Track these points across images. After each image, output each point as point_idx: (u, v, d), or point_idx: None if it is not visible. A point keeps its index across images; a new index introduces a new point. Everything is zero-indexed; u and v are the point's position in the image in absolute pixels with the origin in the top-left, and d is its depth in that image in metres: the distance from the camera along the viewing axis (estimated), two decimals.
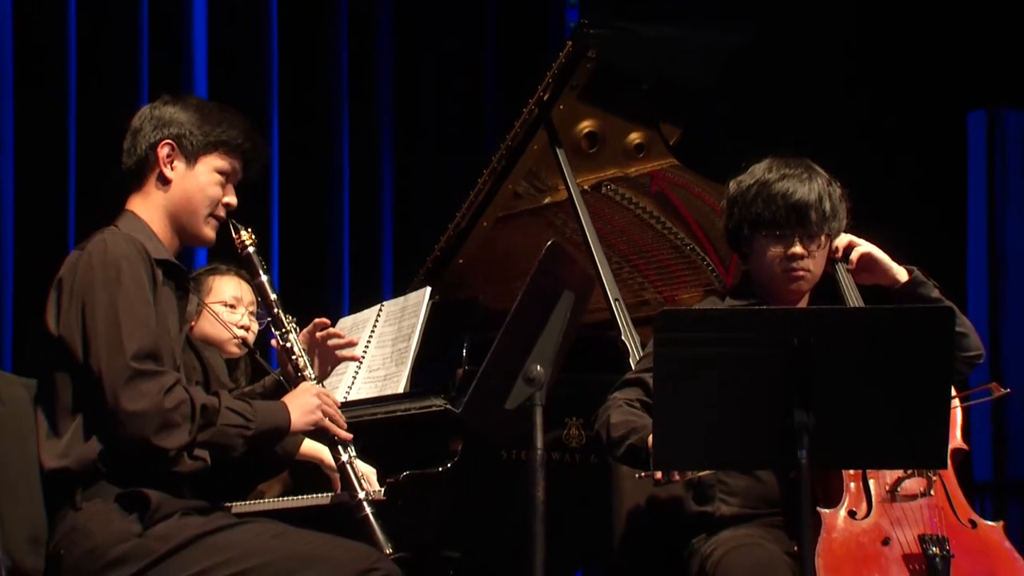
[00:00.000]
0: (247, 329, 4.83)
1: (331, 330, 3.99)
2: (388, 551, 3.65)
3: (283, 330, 3.88)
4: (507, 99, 6.06)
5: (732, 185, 4.03)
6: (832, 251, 3.99)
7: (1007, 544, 3.66)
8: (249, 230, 3.87)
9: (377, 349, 4.84)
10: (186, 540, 3.51)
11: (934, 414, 3.36)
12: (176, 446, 3.51)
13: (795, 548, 3.54)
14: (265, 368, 4.83)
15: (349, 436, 3.80)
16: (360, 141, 6.79)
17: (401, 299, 4.92)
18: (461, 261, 5.26)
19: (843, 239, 4.00)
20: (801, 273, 3.93)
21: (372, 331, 4.91)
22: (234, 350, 4.81)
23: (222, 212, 3.78)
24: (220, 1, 6.39)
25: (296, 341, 3.87)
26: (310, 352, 3.93)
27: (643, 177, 5.28)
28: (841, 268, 4.00)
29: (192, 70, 6.28)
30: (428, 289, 4.83)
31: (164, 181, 3.74)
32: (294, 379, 3.85)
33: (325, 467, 4.28)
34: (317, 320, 4.00)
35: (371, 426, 4.42)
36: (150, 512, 3.51)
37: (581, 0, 7.19)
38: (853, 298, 3.96)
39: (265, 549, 3.53)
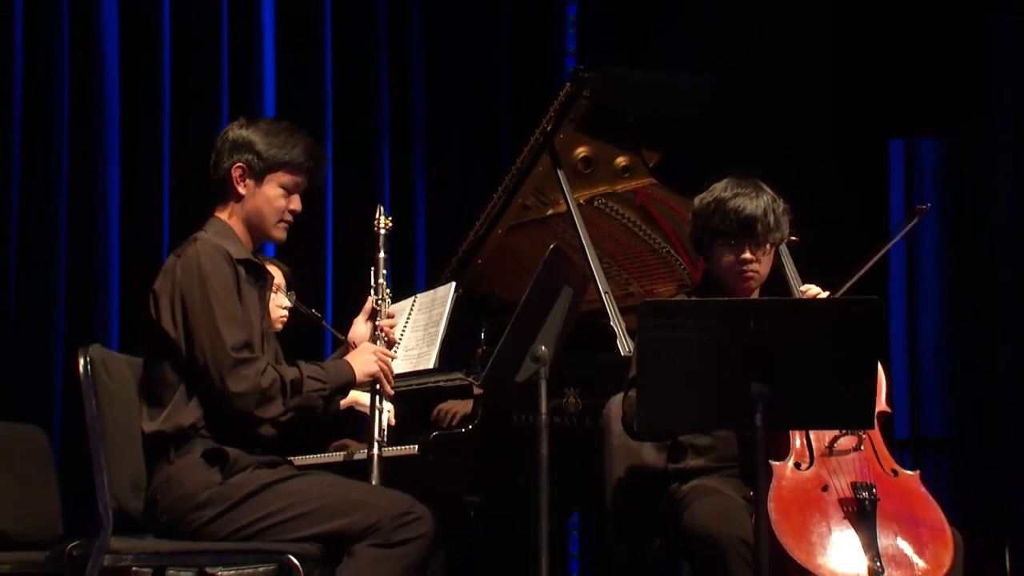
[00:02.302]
0: (284, 308, 4.78)
1: (386, 322, 3.98)
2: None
3: (379, 296, 3.95)
4: (517, 130, 6.02)
5: (696, 201, 3.98)
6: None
7: (922, 489, 3.63)
8: (389, 218, 4.00)
9: (412, 332, 4.82)
10: (258, 488, 3.51)
11: (863, 385, 3.36)
12: (273, 415, 3.55)
13: (751, 494, 3.51)
14: (311, 317, 4.85)
15: (391, 393, 3.84)
16: (399, 161, 6.75)
17: (431, 292, 4.89)
18: (480, 261, 5.24)
19: (813, 290, 3.94)
20: (751, 274, 3.89)
21: (408, 318, 4.89)
22: (278, 326, 4.75)
23: (289, 217, 3.77)
24: (286, 46, 6.35)
25: (384, 307, 3.94)
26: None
27: (628, 193, 5.25)
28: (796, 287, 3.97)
29: (263, 98, 6.26)
30: (453, 284, 4.79)
31: (239, 196, 3.73)
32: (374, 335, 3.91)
33: (358, 407, 4.29)
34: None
35: (407, 395, 4.40)
36: (229, 465, 3.52)
37: (578, 49, 7.16)
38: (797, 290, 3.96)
39: (321, 495, 3.53)
